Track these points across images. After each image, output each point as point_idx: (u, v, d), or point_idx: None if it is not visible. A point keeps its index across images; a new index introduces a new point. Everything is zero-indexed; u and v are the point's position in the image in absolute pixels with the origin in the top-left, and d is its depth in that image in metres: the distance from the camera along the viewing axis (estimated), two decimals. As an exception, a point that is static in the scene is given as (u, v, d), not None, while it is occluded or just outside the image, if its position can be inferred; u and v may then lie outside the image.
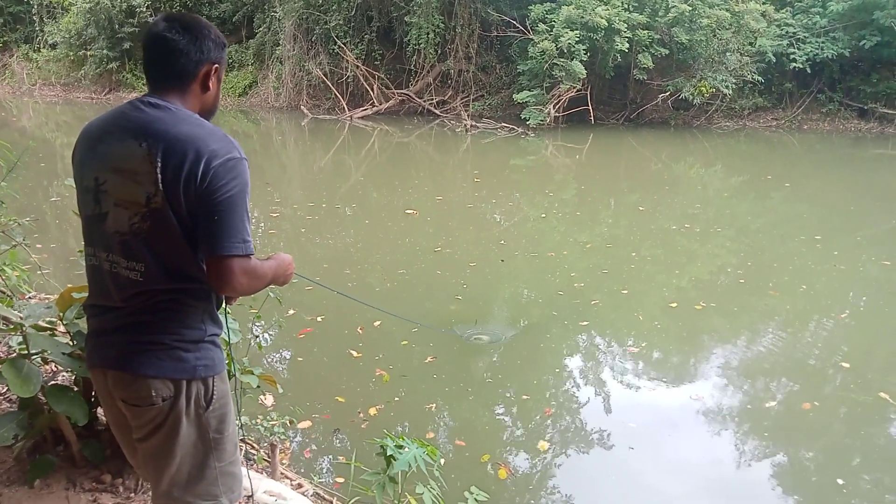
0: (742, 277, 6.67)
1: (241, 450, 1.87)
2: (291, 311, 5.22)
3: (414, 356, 4.75)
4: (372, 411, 3.98)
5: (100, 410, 2.76)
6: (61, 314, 2.50)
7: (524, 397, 4.29)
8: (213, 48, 1.70)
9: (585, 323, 5.40)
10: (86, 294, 2.50)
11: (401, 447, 2.43)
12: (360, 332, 5.06)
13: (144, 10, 21.13)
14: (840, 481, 3.51)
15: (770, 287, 6.25)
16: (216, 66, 1.72)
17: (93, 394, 2.65)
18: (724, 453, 3.81)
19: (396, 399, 4.17)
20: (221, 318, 1.82)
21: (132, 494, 2.55)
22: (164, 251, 1.61)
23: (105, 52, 22.14)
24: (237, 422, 1.90)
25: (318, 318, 5.25)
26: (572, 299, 5.88)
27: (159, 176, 1.55)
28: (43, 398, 2.46)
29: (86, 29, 22.16)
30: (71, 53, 23.23)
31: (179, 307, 1.66)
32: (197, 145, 1.56)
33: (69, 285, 2.51)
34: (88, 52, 22.65)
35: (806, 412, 4.16)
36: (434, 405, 4.14)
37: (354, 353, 4.72)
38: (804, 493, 3.58)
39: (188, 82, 1.69)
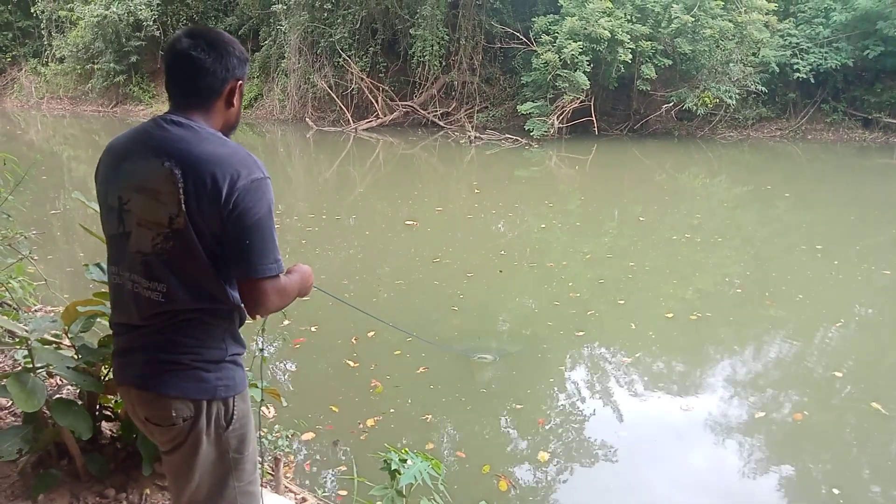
0: (740, 287, 6.69)
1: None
2: (287, 322, 5.26)
3: (407, 366, 4.78)
4: (370, 422, 4.01)
5: (104, 424, 2.80)
6: (66, 328, 2.52)
7: (518, 407, 4.32)
8: (237, 65, 1.68)
9: (581, 333, 5.43)
10: (91, 308, 2.58)
11: (404, 461, 2.43)
12: (355, 341, 5.10)
13: (151, 24, 21.38)
14: (836, 491, 3.52)
15: (766, 297, 6.26)
16: (240, 81, 1.71)
17: (97, 407, 2.69)
18: (716, 463, 3.83)
19: (392, 410, 4.20)
20: None
21: (135, 508, 2.57)
22: (186, 272, 1.59)
23: (112, 65, 22.44)
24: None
25: (312, 328, 5.28)
26: (569, 309, 5.91)
27: (182, 196, 1.54)
28: (47, 412, 2.47)
29: (93, 43, 22.45)
30: (78, 67, 23.54)
31: (201, 327, 1.65)
32: (220, 166, 1.55)
33: (67, 296, 2.54)
34: (95, 66, 22.95)
35: (797, 422, 4.18)
36: (431, 416, 4.17)
37: (351, 364, 4.76)
38: (800, 502, 3.60)
39: (213, 100, 1.67)
